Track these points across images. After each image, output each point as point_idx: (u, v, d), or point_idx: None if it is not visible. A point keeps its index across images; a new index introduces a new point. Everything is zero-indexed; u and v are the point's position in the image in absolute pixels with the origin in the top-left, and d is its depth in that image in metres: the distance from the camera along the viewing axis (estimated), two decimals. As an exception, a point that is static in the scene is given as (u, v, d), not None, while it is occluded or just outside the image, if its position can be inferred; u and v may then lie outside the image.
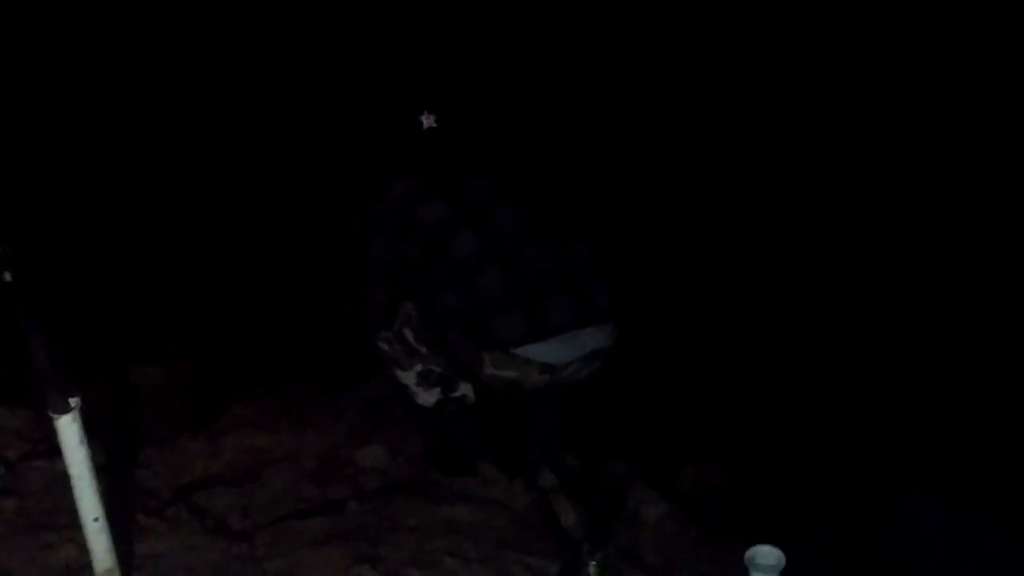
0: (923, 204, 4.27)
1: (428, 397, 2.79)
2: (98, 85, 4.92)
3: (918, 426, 3.07)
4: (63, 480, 1.89)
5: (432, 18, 5.11)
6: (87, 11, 4.91)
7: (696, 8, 5.14)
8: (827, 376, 3.47)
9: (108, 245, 4.25)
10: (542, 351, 2.48)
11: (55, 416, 1.79)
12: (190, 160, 4.84)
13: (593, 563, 2.05)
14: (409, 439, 3.00)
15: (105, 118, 4.84)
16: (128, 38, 5.01)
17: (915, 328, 3.70)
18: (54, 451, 1.85)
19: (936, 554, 2.49)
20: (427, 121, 2.77)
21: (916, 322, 3.73)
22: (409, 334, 2.69)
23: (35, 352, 1.78)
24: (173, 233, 4.43)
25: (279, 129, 4.82)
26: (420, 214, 2.60)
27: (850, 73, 4.84)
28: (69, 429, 1.81)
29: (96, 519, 1.90)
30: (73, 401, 1.81)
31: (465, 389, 2.77)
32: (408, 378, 2.78)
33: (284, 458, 2.89)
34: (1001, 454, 2.74)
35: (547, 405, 2.81)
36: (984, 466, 2.73)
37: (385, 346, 2.79)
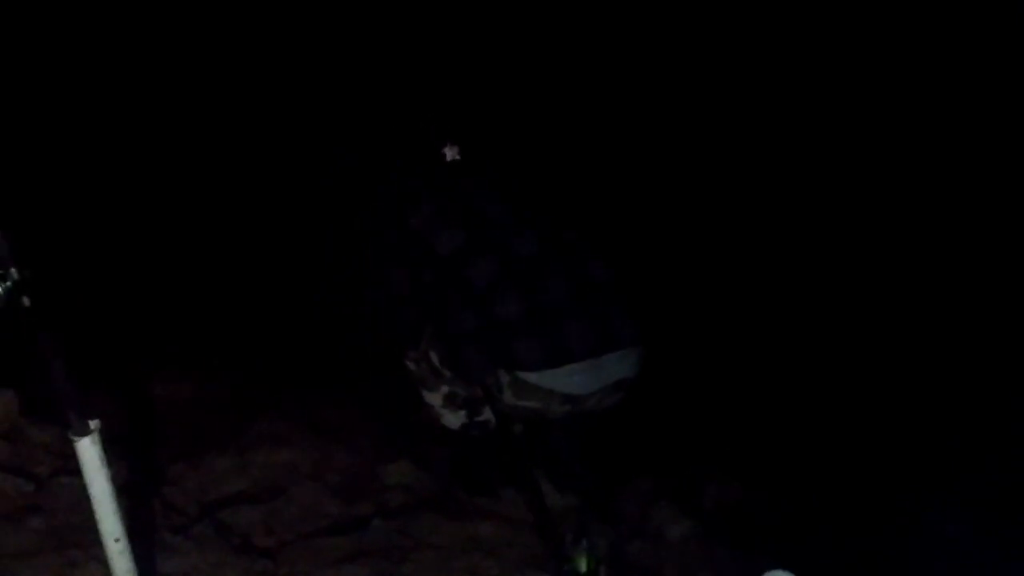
0: (924, 212, 4.23)
1: (453, 420, 2.78)
2: (105, 94, 4.95)
3: (930, 438, 3.04)
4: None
5: (436, 18, 5.09)
6: (87, 15, 4.95)
7: (716, 15, 5.10)
8: (845, 392, 3.44)
9: (121, 258, 4.28)
10: (565, 382, 2.46)
11: (75, 438, 1.80)
12: (193, 163, 4.88)
13: (583, 554, 1.93)
14: (434, 455, 3.00)
15: (113, 127, 4.87)
16: (129, 41, 5.04)
17: (917, 335, 3.67)
18: (83, 468, 1.86)
19: (954, 565, 2.45)
20: (450, 153, 2.74)
21: (918, 330, 3.70)
22: (434, 356, 2.69)
23: (55, 375, 1.79)
24: (182, 241, 4.46)
25: (279, 130, 4.84)
26: (437, 244, 2.57)
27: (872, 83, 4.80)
28: (89, 451, 1.82)
29: (117, 539, 1.90)
30: (93, 423, 1.81)
31: (489, 414, 2.74)
32: (434, 399, 2.78)
33: (310, 474, 2.89)
34: (1001, 454, 2.70)
35: (569, 431, 2.79)
36: (986, 467, 2.70)
37: (412, 366, 2.78)
